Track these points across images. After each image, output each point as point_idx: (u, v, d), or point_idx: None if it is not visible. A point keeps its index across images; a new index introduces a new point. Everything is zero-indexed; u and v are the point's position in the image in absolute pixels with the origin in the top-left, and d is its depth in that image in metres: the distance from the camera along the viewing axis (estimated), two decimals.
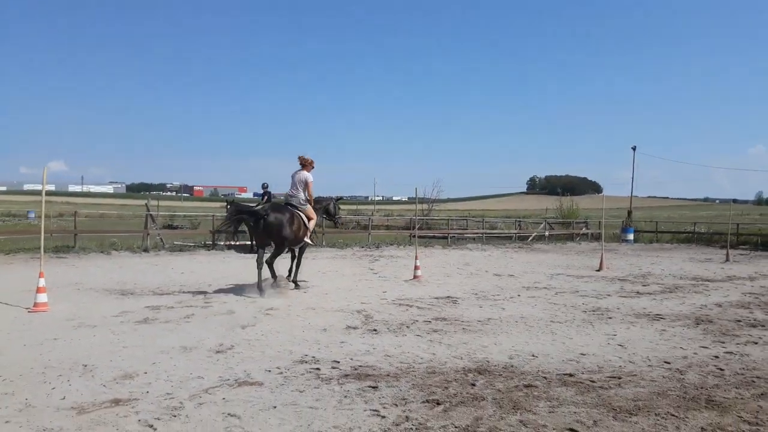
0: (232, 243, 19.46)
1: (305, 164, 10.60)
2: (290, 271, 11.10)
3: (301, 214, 10.48)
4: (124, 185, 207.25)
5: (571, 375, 5.48)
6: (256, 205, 19.33)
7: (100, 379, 5.09)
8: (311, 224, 10.78)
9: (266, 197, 19.61)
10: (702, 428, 4.18)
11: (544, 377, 5.38)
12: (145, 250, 17.59)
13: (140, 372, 5.30)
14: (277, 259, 10.25)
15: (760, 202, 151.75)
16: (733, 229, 26.05)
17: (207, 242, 19.70)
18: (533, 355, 6.22)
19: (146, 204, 19.62)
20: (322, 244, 20.90)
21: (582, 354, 6.32)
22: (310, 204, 10.72)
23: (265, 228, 10.07)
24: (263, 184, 20.04)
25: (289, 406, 4.52)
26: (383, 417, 4.33)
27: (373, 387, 5.02)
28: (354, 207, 64.22)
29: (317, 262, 15.97)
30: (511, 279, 13.09)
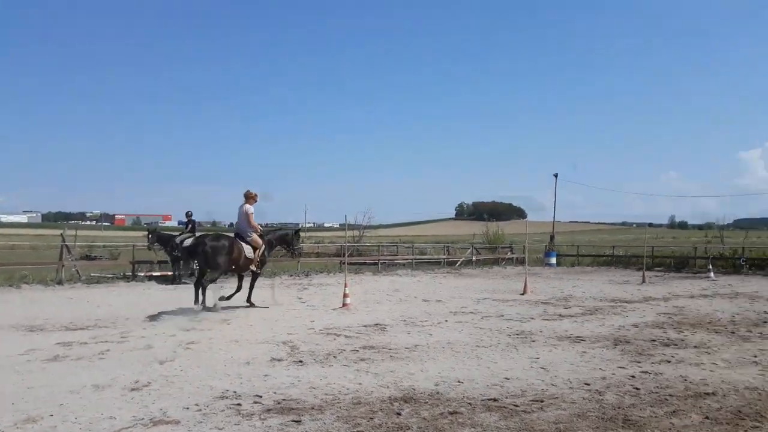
0: (153, 274, 18.77)
1: (248, 198, 11.85)
2: (227, 297, 11.83)
3: (242, 244, 11.59)
4: (39, 214, 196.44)
5: (495, 400, 5.53)
6: (180, 234, 18.74)
7: None
8: (256, 254, 11.91)
9: (190, 225, 19.05)
10: None
11: (469, 403, 5.40)
12: (59, 283, 16.64)
13: (45, 415, 4.95)
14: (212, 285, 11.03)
15: (672, 225, 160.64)
16: (649, 251, 27.38)
17: (127, 273, 18.86)
18: (459, 381, 6.24)
19: (62, 234, 18.65)
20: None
21: (506, 378, 6.40)
22: (257, 234, 11.91)
23: (203, 254, 11.09)
24: (187, 213, 19.45)
25: None
26: None
27: (297, 421, 4.89)
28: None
29: (244, 293, 15.55)
30: (439, 304, 13.20)
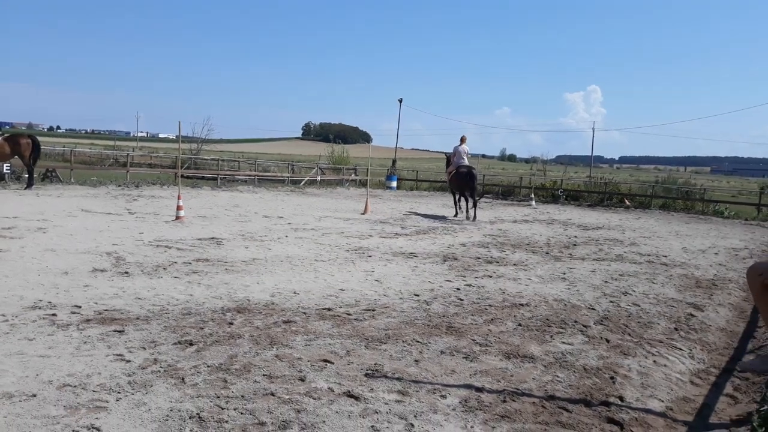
0: None
1: None
2: None
3: None
4: None
5: (329, 309, 5.61)
6: None
7: None
8: None
9: None
10: (441, 351, 4.57)
11: (304, 313, 5.44)
12: None
13: None
14: None
15: (503, 157, 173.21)
16: (480, 179, 29.34)
17: None
18: (295, 293, 6.25)
19: None
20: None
21: (342, 290, 6.52)
22: None
23: None
24: None
25: (14, 356, 3.93)
26: (128, 361, 3.98)
27: (119, 331, 4.60)
28: (111, 142, 58.62)
29: (63, 200, 14.24)
30: (280, 221, 13.06)
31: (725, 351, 5.34)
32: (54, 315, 4.94)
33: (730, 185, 50.61)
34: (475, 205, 15.66)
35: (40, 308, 5.11)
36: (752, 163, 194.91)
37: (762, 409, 3.64)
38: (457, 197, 16.40)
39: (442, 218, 15.77)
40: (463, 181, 15.63)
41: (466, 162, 15.93)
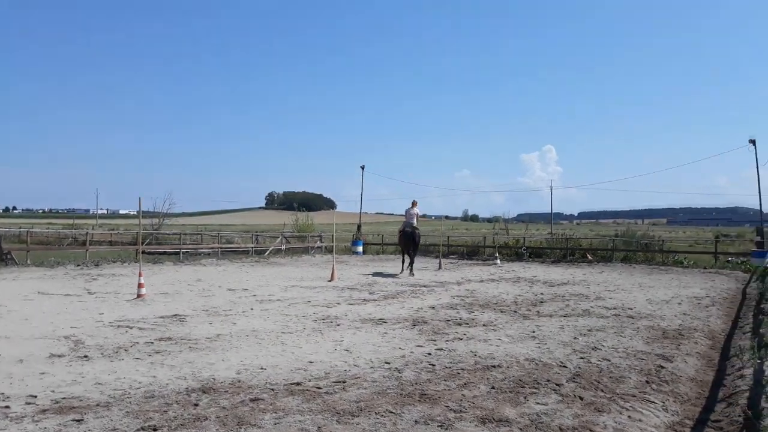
0: None
1: None
2: None
3: None
4: None
5: (298, 384, 5.46)
6: None
7: None
8: None
9: None
10: (416, 421, 4.46)
11: (272, 389, 5.27)
12: None
13: None
14: None
15: (466, 217, 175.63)
16: (445, 240, 29.75)
17: None
18: (262, 368, 6.08)
19: None
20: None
21: (310, 362, 6.37)
22: None
23: None
24: None
25: None
26: None
27: (78, 420, 4.37)
28: (70, 221, 57.54)
29: (18, 284, 13.77)
30: (245, 293, 12.84)
31: (697, 401, 5.35)
32: (7, 407, 4.68)
33: (686, 235, 52.11)
34: (411, 263, 17.48)
35: None
36: (705, 212, 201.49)
37: None
38: (404, 255, 18.03)
39: (410, 283, 15.75)
40: (406, 240, 17.55)
41: (414, 223, 17.62)
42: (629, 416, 4.71)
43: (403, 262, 18.18)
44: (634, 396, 5.26)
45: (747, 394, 5.12)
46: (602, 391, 5.39)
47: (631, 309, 10.79)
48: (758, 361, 6.04)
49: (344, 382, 5.54)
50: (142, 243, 18.80)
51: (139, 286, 11.81)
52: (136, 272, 13.10)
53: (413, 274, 17.26)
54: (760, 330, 7.84)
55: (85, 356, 6.53)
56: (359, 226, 34.05)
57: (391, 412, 4.64)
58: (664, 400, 5.23)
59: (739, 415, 4.60)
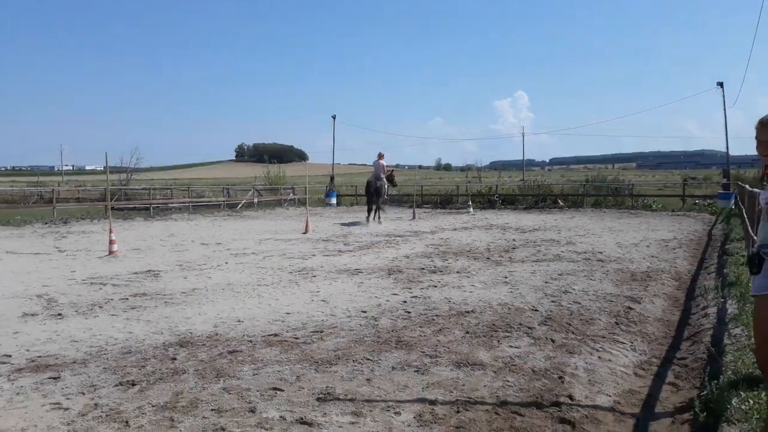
0: None
1: None
2: None
3: None
4: None
5: (276, 335, 5.51)
6: None
7: None
8: None
9: None
10: (392, 367, 4.55)
11: (249, 341, 5.31)
12: None
13: None
14: None
15: (439, 167, 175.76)
16: (419, 190, 29.81)
17: None
18: (239, 321, 6.11)
19: None
20: None
21: (287, 313, 6.42)
22: None
23: None
24: None
25: None
26: (66, 409, 3.78)
27: (55, 378, 4.36)
28: (34, 178, 56.17)
29: None
30: (219, 247, 12.78)
31: (664, 340, 5.54)
32: None
33: (655, 179, 53.10)
34: (377, 210, 18.94)
35: None
36: (673, 156, 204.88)
37: (702, 394, 3.79)
38: (369, 205, 19.14)
39: (384, 233, 15.82)
40: (369, 191, 19.00)
41: (381, 175, 18.91)
42: (599, 357, 4.87)
43: (369, 211, 19.06)
44: (604, 337, 5.42)
45: (711, 332, 5.32)
46: (573, 333, 5.54)
47: (601, 253, 11.02)
48: (722, 300, 6.26)
49: (321, 331, 5.60)
50: (111, 199, 18.47)
51: (111, 242, 11.66)
52: (107, 229, 12.92)
53: (380, 222, 18.62)
54: (724, 270, 8.10)
55: (59, 314, 6.47)
56: (332, 178, 33.88)
57: (369, 359, 4.71)
58: (633, 341, 5.40)
59: (704, 353, 4.79)
